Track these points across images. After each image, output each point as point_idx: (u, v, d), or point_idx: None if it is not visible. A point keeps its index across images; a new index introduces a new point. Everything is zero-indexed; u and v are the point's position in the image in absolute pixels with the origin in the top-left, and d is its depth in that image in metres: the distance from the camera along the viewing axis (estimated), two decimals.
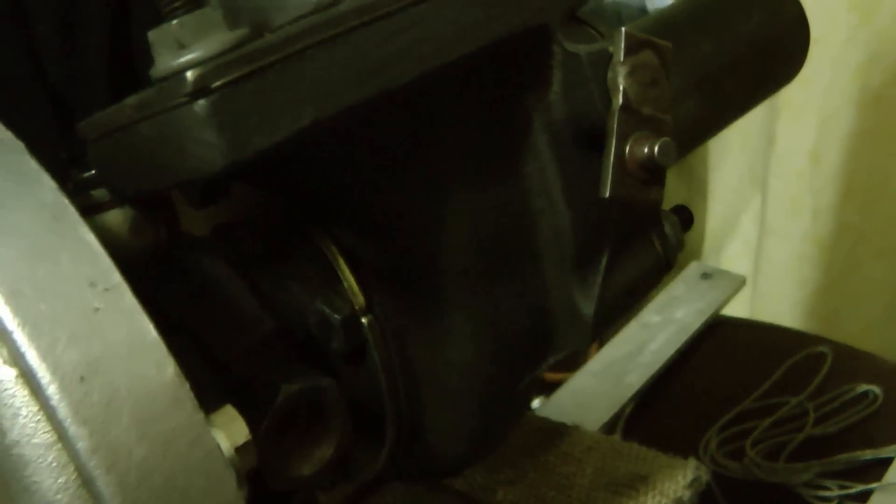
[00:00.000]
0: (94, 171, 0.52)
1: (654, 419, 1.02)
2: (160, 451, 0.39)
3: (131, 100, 0.46)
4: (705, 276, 1.24)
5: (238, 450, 0.41)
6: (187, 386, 0.40)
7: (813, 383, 1.01)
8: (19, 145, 0.44)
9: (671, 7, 0.74)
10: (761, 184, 1.62)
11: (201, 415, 0.40)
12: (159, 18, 0.46)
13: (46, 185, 0.43)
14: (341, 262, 0.53)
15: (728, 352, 1.12)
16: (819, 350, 1.06)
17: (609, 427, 0.99)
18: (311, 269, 0.54)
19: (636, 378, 1.06)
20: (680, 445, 0.82)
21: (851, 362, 1.05)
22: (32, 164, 0.44)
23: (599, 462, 0.72)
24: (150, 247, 0.55)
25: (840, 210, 1.52)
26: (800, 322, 1.56)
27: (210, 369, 0.49)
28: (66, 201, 0.43)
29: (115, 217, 0.54)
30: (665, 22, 0.72)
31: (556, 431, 0.76)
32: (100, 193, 0.52)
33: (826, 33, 1.35)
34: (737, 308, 1.27)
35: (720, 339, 1.14)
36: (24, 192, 0.43)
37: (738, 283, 1.26)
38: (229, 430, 0.42)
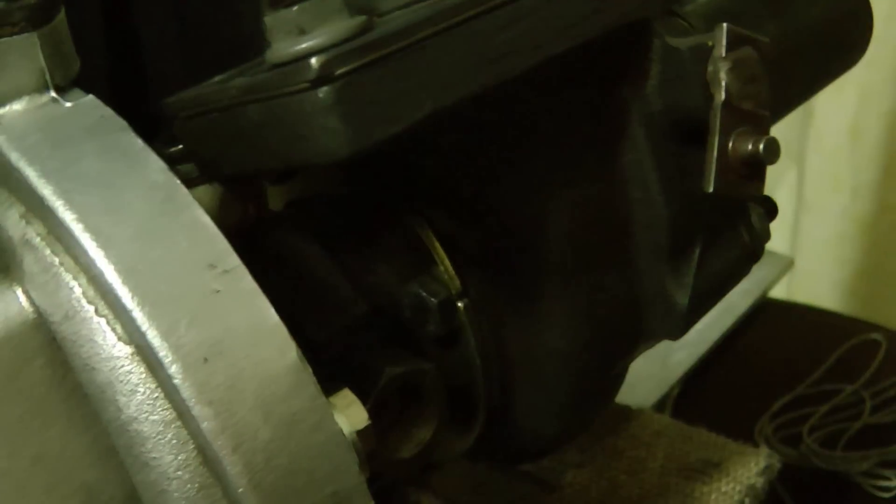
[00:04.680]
0: (180, 146, 0.53)
1: (703, 403, 1.02)
2: (285, 434, 0.40)
3: (237, 81, 0.48)
4: None
5: (359, 433, 0.43)
6: (309, 370, 0.42)
7: (868, 371, 1.02)
8: (123, 123, 0.45)
9: None
10: (796, 157, 1.62)
11: (323, 398, 0.41)
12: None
13: (154, 164, 0.44)
14: (437, 245, 0.55)
15: (776, 335, 1.13)
16: (872, 337, 1.07)
17: (657, 409, 0.99)
18: (402, 250, 0.55)
19: (683, 357, 1.07)
20: (732, 430, 0.84)
21: None
22: (138, 143, 0.45)
23: (669, 447, 0.74)
24: (237, 224, 0.57)
25: (882, 188, 1.53)
26: (841, 303, 1.56)
27: (303, 350, 0.51)
28: (176, 181, 0.44)
29: (205, 193, 0.55)
30: (728, 2, 0.73)
31: (622, 414, 0.78)
32: (187, 168, 0.52)
33: None
34: (775, 287, 1.28)
35: (768, 321, 1.15)
36: (133, 171, 0.44)
37: (785, 263, 1.28)
38: (349, 414, 0.43)
